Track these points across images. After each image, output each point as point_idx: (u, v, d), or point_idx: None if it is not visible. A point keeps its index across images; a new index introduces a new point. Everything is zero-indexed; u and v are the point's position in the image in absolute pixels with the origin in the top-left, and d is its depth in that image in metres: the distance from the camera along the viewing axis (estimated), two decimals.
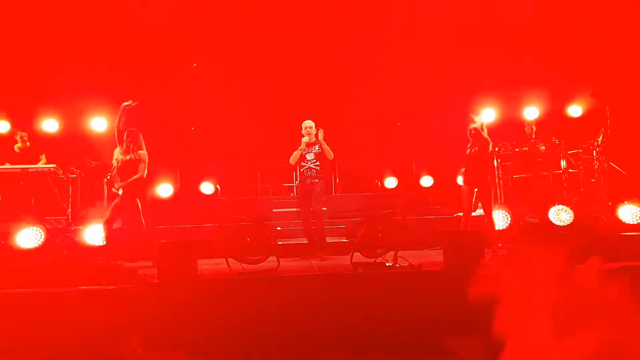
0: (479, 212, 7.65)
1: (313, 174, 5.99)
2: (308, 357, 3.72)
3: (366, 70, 9.94)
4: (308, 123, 6.12)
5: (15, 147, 7.44)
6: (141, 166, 5.55)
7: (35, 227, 5.89)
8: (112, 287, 2.68)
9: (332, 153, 5.99)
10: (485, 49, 8.84)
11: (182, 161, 9.08)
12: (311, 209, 5.93)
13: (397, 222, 4.88)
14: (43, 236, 5.89)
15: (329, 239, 6.38)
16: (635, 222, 5.87)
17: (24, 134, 7.54)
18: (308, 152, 6.03)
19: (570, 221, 5.95)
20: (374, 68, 9.86)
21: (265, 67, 9.67)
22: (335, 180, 9.08)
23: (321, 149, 5.97)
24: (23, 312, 2.42)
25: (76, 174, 7.00)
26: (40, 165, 6.97)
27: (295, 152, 6.03)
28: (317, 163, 6.00)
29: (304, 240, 6.14)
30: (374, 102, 10.14)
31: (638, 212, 5.96)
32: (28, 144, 7.48)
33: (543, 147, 7.34)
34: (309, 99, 9.69)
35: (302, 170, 6.07)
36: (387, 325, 3.73)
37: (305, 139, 5.99)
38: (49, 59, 8.30)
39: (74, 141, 8.25)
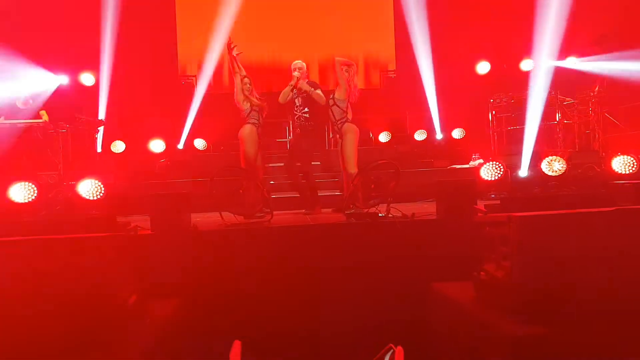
0: (472, 163, 7.68)
1: (302, 122, 5.65)
2: (302, 303, 3.79)
3: (362, 21, 9.73)
4: (298, 63, 5.68)
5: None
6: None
7: (27, 183, 5.82)
8: (104, 235, 2.67)
9: (323, 97, 5.57)
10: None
11: (174, 116, 8.94)
12: (298, 165, 5.74)
13: (390, 173, 4.86)
14: (35, 191, 5.83)
15: (322, 192, 6.36)
16: (628, 172, 5.88)
17: None
18: (297, 97, 5.64)
19: (563, 171, 5.96)
20: (370, 18, 9.64)
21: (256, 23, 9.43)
22: (329, 135, 9.01)
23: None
24: (12, 259, 2.41)
25: (66, 129, 6.88)
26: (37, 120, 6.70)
27: (285, 89, 5.62)
28: (306, 110, 5.62)
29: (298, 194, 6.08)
30: (369, 54, 9.96)
31: (632, 163, 5.96)
32: (31, 101, 7.05)
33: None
34: (300, 51, 9.48)
35: (293, 119, 5.83)
36: (379, 271, 3.79)
37: (296, 73, 5.55)
38: (33, 8, 8.02)
39: (63, 95, 8.06)
